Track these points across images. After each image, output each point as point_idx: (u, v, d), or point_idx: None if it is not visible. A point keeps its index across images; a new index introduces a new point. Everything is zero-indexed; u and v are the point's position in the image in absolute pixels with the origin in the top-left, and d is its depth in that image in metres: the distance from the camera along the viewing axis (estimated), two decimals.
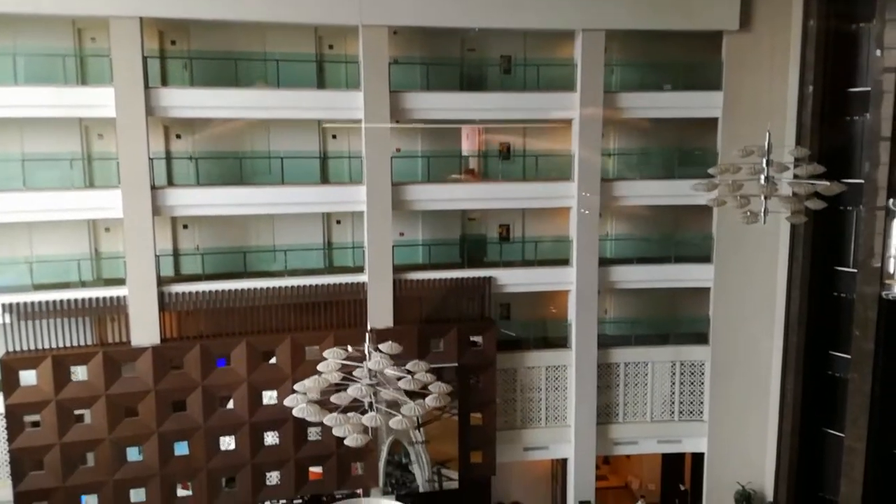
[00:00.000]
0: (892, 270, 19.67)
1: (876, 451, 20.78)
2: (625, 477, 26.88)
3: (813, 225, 21.59)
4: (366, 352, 13.69)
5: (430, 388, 14.19)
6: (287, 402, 13.94)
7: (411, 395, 14.03)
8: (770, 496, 22.84)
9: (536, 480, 24.78)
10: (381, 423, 13.88)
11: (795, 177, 15.50)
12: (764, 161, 15.06)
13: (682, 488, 24.45)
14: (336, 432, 13.52)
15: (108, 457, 19.53)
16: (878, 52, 19.70)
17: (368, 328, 14.37)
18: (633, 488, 25.41)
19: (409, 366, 14.14)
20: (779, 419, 22.66)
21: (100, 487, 19.63)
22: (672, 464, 25.89)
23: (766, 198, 15.41)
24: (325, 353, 14.13)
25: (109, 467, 19.57)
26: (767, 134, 15.01)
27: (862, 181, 20.51)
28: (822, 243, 21.81)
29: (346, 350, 14.27)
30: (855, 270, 20.95)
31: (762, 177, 15.11)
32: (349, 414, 13.60)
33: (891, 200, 19.50)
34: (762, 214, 15.54)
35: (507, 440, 22.60)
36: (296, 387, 13.96)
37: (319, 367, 13.89)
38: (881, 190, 19.77)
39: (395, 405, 14.05)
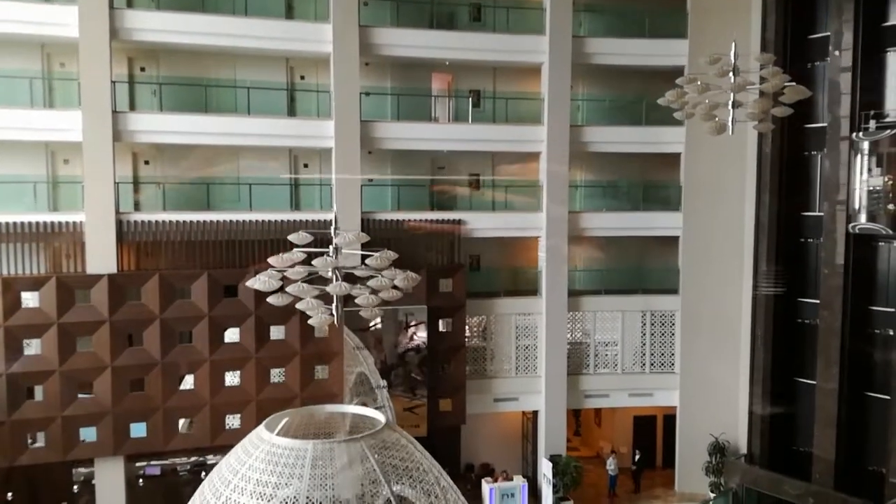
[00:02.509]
0: (857, 206, 19.80)
1: (849, 393, 20.58)
2: (596, 447, 26.33)
3: (779, 170, 21.87)
4: (331, 232, 13.21)
5: (396, 280, 13.76)
6: (250, 283, 13.33)
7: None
8: (744, 448, 22.45)
9: (506, 440, 24.13)
10: (342, 312, 13.44)
11: (761, 80, 15.62)
12: (731, 71, 15.17)
13: (637, 457, 23.84)
14: (300, 306, 13.00)
15: (58, 391, 18.57)
16: None
17: (334, 214, 13.82)
18: (604, 453, 24.79)
19: (372, 260, 13.66)
20: (750, 369, 22.43)
21: (47, 424, 18.61)
22: (643, 427, 25.53)
23: (733, 106, 15.49)
24: (290, 237, 13.63)
25: (59, 402, 18.60)
26: (733, 44, 15.13)
27: (825, 124, 20.85)
28: (789, 189, 21.95)
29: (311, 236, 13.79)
30: (821, 214, 21.09)
31: (730, 80, 15.19)
32: (314, 292, 13.13)
33: (854, 134, 19.74)
34: (729, 124, 15.56)
35: (477, 390, 22.06)
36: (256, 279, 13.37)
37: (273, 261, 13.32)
38: (843, 121, 19.98)
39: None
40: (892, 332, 20.02)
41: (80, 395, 18.80)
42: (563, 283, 22.32)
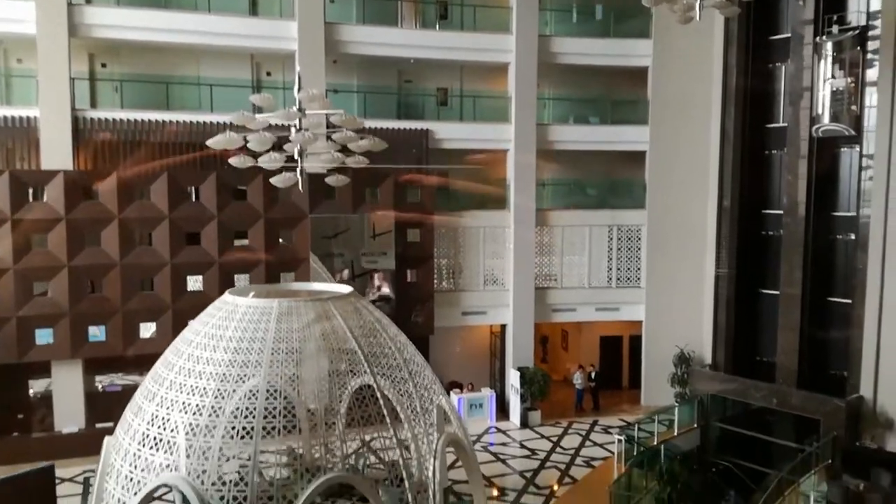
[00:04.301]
0: (821, 110, 19.97)
1: (811, 299, 20.88)
2: (563, 372, 26.38)
3: (745, 83, 22.00)
4: (296, 79, 12.84)
5: (362, 142, 13.48)
6: (211, 141, 12.94)
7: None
8: (708, 360, 22.66)
9: (474, 358, 24.06)
10: (305, 174, 13.15)
11: None
12: None
13: (594, 374, 23.88)
14: (263, 161, 12.70)
15: (12, 290, 17.97)
16: None
17: (297, 72, 13.43)
18: (570, 374, 24.81)
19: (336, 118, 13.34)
20: (715, 281, 22.61)
21: (2, 325, 18.00)
22: (610, 348, 25.67)
23: None
24: (252, 98, 13.25)
25: (13, 302, 18.01)
26: None
27: (789, 35, 21.01)
28: (754, 101, 22.08)
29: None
30: (786, 125, 21.28)
31: None
32: (277, 153, 12.82)
33: (817, 38, 19.90)
34: (697, 9, 15.49)
35: (445, 303, 21.91)
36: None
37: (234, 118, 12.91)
38: (807, 28, 20.15)
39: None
40: (853, 237, 20.34)
41: (35, 296, 18.22)
42: (531, 197, 22.22)
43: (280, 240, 20.02)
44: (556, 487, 17.43)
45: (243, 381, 11.53)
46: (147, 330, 19.14)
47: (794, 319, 20.91)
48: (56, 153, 18.32)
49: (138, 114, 19.06)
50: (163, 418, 11.55)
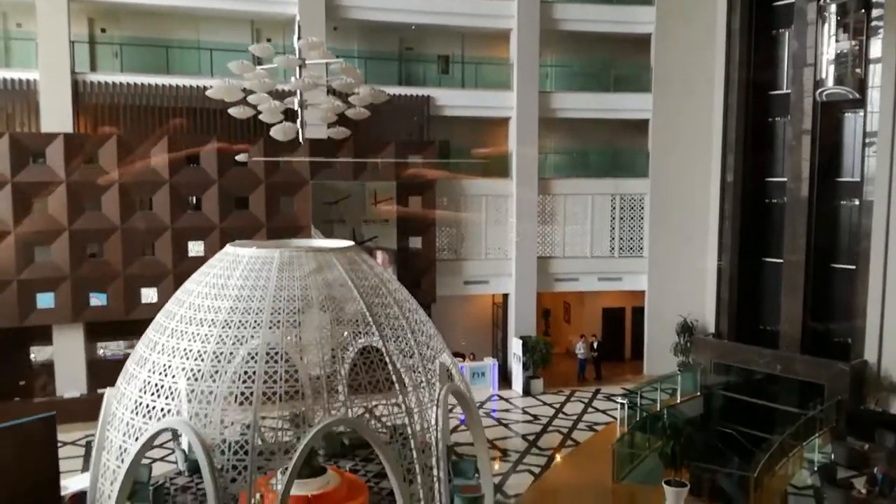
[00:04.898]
0: (824, 74, 19.83)
1: (815, 265, 20.78)
2: (566, 345, 26.28)
3: (748, 49, 21.88)
4: (295, 28, 12.72)
5: (361, 90, 13.36)
6: (211, 91, 12.84)
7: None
8: (711, 329, 22.60)
9: (477, 329, 24.01)
10: (305, 121, 13.02)
11: None
12: None
13: (596, 344, 23.76)
14: (262, 111, 12.61)
15: (13, 253, 17.89)
16: None
17: (297, 20, 13.30)
18: (573, 345, 24.71)
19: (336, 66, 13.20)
20: (718, 250, 22.54)
21: (2, 288, 17.94)
22: (612, 319, 25.60)
23: None
24: (251, 48, 13.12)
25: (14, 265, 17.94)
26: None
27: (793, 0, 20.86)
28: (758, 67, 21.96)
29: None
30: (789, 91, 21.14)
31: None
32: (277, 102, 12.73)
33: (820, 1, 19.74)
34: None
35: (447, 272, 21.82)
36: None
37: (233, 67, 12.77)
38: None
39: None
40: (857, 203, 20.23)
41: (36, 259, 18.16)
42: (534, 165, 22.11)
43: (280, 206, 19.93)
44: (558, 457, 17.36)
45: (245, 328, 11.49)
46: (148, 295, 19.07)
47: (798, 286, 20.82)
48: (56, 116, 18.24)
49: (138, 77, 18.97)
50: (164, 365, 11.50)
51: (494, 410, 20.30)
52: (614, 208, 23.00)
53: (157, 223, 18.87)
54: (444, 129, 22.10)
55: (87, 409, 17.16)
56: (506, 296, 22.90)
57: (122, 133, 18.82)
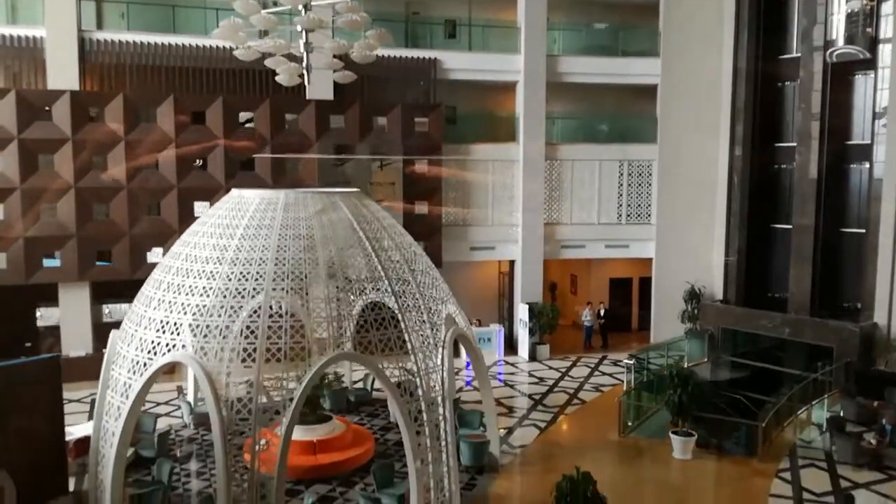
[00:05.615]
0: (835, 35, 19.64)
1: (825, 229, 20.60)
2: (573, 317, 26.15)
3: (757, 13, 21.67)
4: None
5: (367, 35, 13.27)
6: (215, 32, 12.74)
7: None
8: (719, 296, 22.44)
9: (483, 298, 23.91)
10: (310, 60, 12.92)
11: None
12: None
13: (603, 312, 23.68)
14: (269, 62, 12.61)
15: (20, 210, 17.89)
16: None
17: None
18: (580, 313, 24.56)
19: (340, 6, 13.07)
20: (726, 216, 22.37)
21: (8, 245, 17.95)
22: (619, 290, 25.48)
23: None
24: None
25: (21, 222, 17.93)
26: None
27: None
28: (767, 31, 21.76)
29: None
30: (799, 55, 20.94)
31: None
32: (282, 40, 12.65)
33: None
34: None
35: (453, 237, 21.72)
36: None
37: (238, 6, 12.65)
38: None
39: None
40: (868, 165, 20.05)
41: (42, 217, 18.16)
42: (541, 130, 21.97)
43: (286, 167, 19.86)
44: (564, 426, 17.30)
45: (250, 265, 11.44)
46: (154, 255, 19.04)
47: (807, 251, 20.66)
48: (62, 74, 18.21)
49: (144, 36, 18.92)
50: (170, 302, 11.47)
51: (500, 374, 20.21)
52: (622, 174, 22.85)
53: (163, 182, 18.83)
54: (450, 96, 21.95)
55: (93, 369, 16.98)
56: (512, 262, 22.79)
57: (127, 91, 18.76)
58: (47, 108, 17.84)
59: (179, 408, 16.55)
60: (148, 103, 18.64)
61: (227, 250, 11.66)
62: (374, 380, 18.05)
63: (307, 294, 11.37)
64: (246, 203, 12.48)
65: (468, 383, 19.06)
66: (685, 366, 19.94)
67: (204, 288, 11.30)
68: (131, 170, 18.51)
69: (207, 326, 10.94)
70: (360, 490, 11.86)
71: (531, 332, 21.53)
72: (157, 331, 11.27)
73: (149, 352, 11.24)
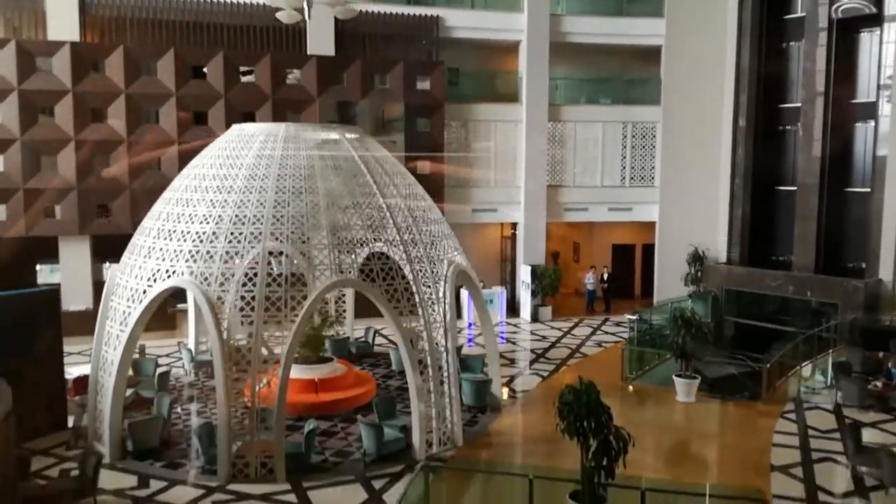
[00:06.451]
0: None
1: (829, 189, 20.43)
2: (575, 285, 25.99)
3: None
4: None
5: None
6: None
7: None
8: (723, 259, 22.29)
9: (485, 262, 23.72)
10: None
11: None
12: None
13: (607, 276, 23.61)
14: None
15: (20, 162, 17.79)
16: None
17: None
18: (583, 280, 24.42)
19: None
20: (731, 177, 22.17)
21: (9, 196, 17.86)
22: (622, 255, 25.35)
23: None
24: None
25: (21, 174, 17.84)
26: None
27: None
28: None
29: None
30: (804, 14, 20.76)
31: None
32: None
33: None
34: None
35: (456, 198, 21.56)
36: None
37: None
38: None
39: None
40: (873, 124, 19.88)
41: (43, 170, 18.07)
42: (544, 90, 21.83)
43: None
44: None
45: (250, 193, 11.34)
46: None
47: (812, 211, 20.49)
48: (62, 25, 18.11)
49: None
50: (169, 231, 11.38)
51: (503, 332, 20.12)
52: (625, 136, 22.70)
53: (163, 136, 18.72)
54: (453, 56, 21.79)
55: (93, 323, 16.99)
56: (514, 225, 22.68)
57: (128, 44, 18.65)
58: (48, 61, 17.70)
59: (181, 358, 16.46)
60: (148, 56, 18.52)
61: (226, 179, 11.57)
62: (375, 333, 18.00)
63: (307, 221, 11.27)
64: (246, 136, 12.39)
65: (469, 341, 18.97)
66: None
67: (204, 216, 11.21)
68: (132, 123, 18.40)
69: (208, 252, 10.87)
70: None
71: (533, 294, 21.42)
72: (158, 259, 11.19)
73: (148, 279, 11.16)
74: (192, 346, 16.21)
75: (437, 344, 11.48)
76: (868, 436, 11.86)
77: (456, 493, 10.78)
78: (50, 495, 8.88)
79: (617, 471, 8.45)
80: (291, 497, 9.88)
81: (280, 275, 10.83)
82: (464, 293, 20.96)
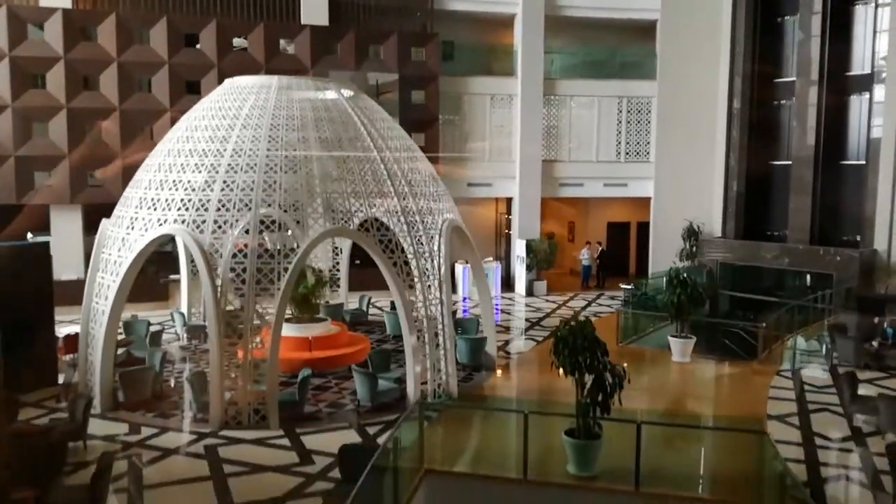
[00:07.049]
0: None
1: (824, 162, 20.41)
2: (571, 264, 25.90)
3: None
4: None
5: None
6: None
7: None
8: (718, 234, 22.25)
9: (479, 238, 23.63)
10: None
11: None
12: None
13: (601, 250, 23.54)
14: None
15: (11, 129, 17.63)
16: None
17: None
18: (578, 258, 24.35)
19: None
20: (726, 152, 22.15)
21: (0, 163, 17.70)
22: (617, 233, 25.31)
23: None
24: None
25: (13, 141, 17.68)
26: None
27: None
28: None
29: None
30: None
31: None
32: None
33: None
34: None
35: (450, 173, 21.43)
36: None
37: None
38: None
39: None
40: (868, 96, 19.87)
41: (35, 137, 17.91)
42: (539, 64, 21.75)
43: None
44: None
45: (244, 143, 11.23)
46: None
47: (807, 184, 20.46)
48: None
49: None
50: (161, 181, 11.27)
51: (497, 305, 20.02)
52: (621, 111, 22.64)
53: (156, 105, 18.58)
54: (448, 29, 21.68)
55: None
56: (509, 200, 22.60)
57: (121, 11, 18.50)
58: (39, 27, 17.56)
59: (173, 326, 16.32)
60: (141, 24, 18.38)
61: (219, 129, 11.46)
62: (369, 301, 17.90)
63: (301, 170, 11.18)
64: (239, 89, 12.28)
65: (465, 312, 18.87)
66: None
67: (196, 165, 11.10)
68: (124, 91, 18.26)
69: (200, 200, 10.76)
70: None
71: (528, 269, 21.34)
72: (149, 209, 11.07)
73: (140, 229, 11.04)
74: (184, 308, 16.09)
75: (430, 298, 11.41)
76: (864, 392, 11.83)
77: (451, 433, 10.64)
78: (39, 432, 8.75)
79: (613, 407, 8.37)
80: (284, 441, 9.78)
81: (276, 247, 10.69)
82: (458, 268, 20.90)
